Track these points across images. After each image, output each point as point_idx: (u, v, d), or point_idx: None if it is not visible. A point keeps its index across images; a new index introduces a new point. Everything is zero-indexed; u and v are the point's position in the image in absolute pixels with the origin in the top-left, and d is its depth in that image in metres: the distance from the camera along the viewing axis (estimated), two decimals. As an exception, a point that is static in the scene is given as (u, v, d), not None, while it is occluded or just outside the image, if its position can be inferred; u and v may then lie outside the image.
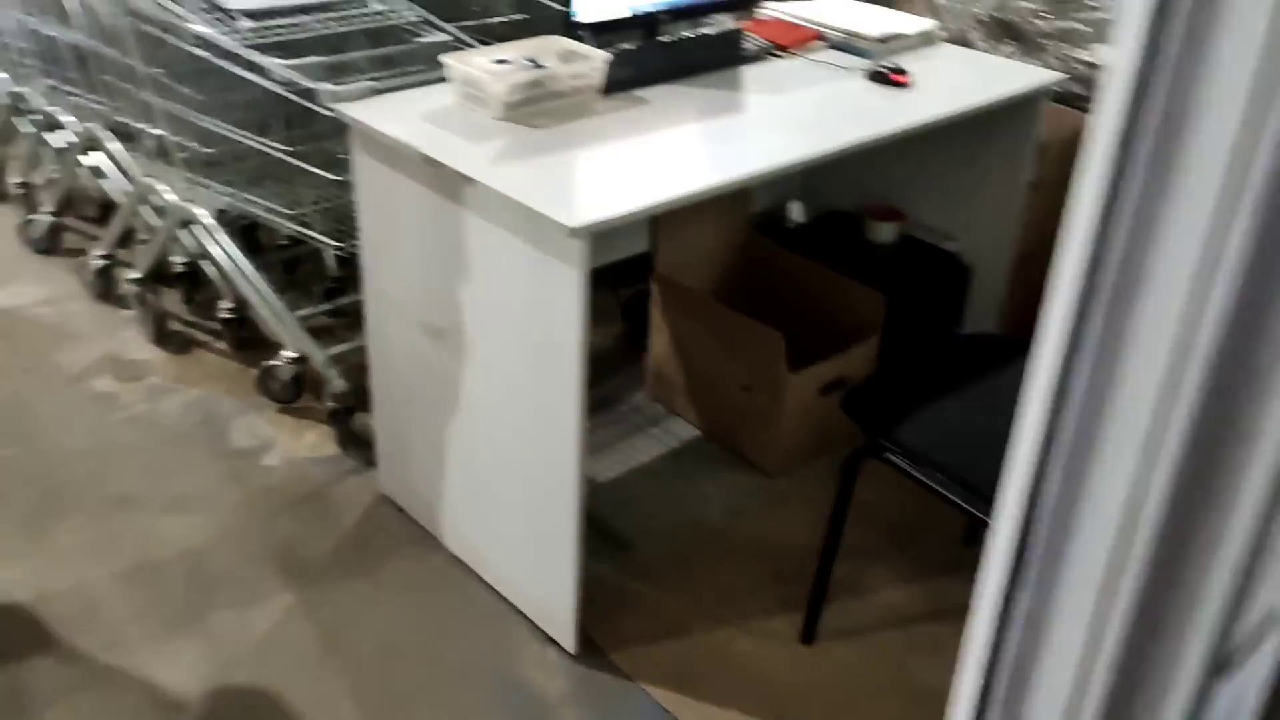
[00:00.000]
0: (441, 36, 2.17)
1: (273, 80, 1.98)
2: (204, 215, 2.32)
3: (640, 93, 1.94)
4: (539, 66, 1.83)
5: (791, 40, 2.21)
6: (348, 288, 2.77)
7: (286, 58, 2.11)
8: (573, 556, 1.70)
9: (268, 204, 2.18)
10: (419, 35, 2.22)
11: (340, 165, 2.24)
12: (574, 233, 1.43)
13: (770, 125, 1.82)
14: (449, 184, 1.63)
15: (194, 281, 2.77)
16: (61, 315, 2.74)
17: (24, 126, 3.09)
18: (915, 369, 1.73)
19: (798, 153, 1.70)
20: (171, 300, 2.76)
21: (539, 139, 1.71)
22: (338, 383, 2.22)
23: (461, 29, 2.52)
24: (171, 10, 2.08)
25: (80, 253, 2.98)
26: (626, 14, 2.04)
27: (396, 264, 1.84)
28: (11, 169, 3.20)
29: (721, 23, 2.30)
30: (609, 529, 2.10)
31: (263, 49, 2.03)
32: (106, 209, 3.00)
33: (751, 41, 2.18)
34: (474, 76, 1.76)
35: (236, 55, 2.02)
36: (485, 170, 1.57)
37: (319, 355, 2.24)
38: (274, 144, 2.10)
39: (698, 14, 2.16)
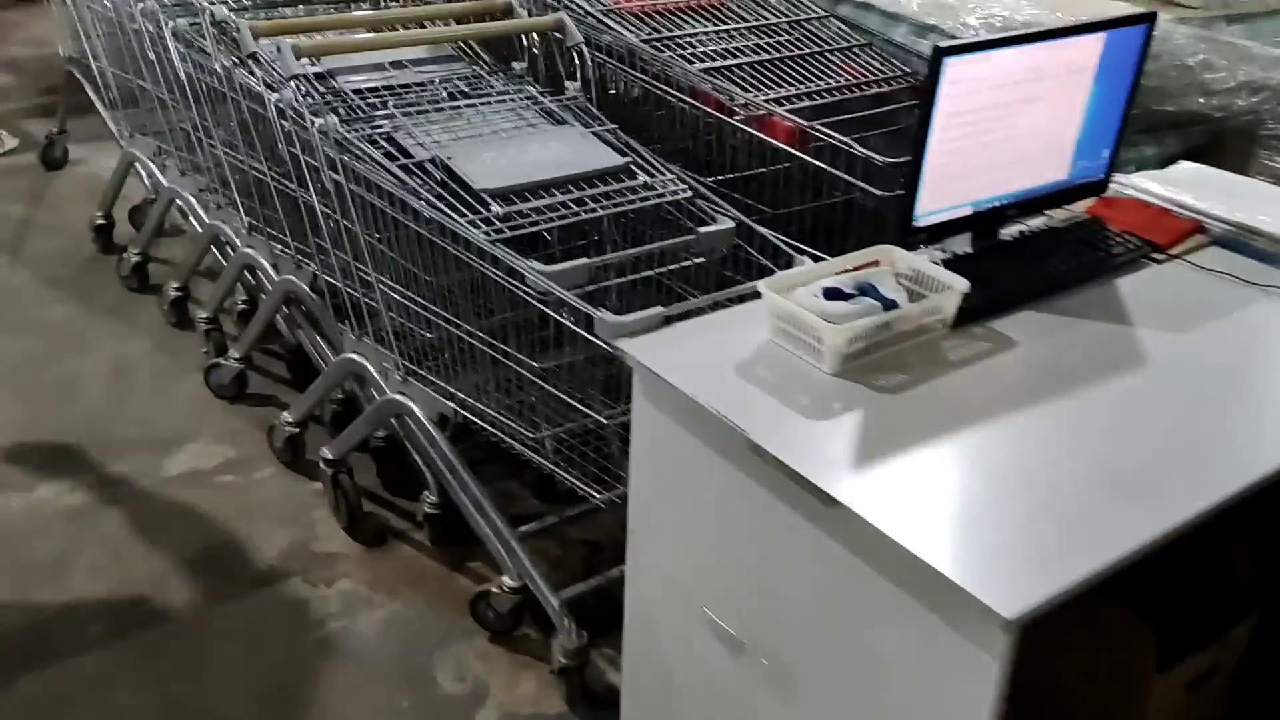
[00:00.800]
0: (724, 223, 1.76)
1: (527, 291, 1.60)
2: (419, 412, 1.97)
3: (997, 324, 1.49)
4: (879, 298, 1.41)
5: (1165, 235, 1.73)
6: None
7: (533, 248, 1.75)
8: None
9: (501, 417, 1.81)
10: (692, 212, 1.83)
11: (608, 362, 1.83)
12: (1007, 626, 0.98)
13: (1197, 392, 1.35)
14: (785, 482, 1.21)
15: (392, 456, 2.43)
16: (247, 486, 2.44)
17: (220, 261, 2.85)
18: None
19: (1260, 464, 1.22)
20: (365, 468, 2.44)
21: (896, 414, 1.28)
22: (572, 636, 1.82)
23: (720, 184, 2.13)
24: (421, 198, 1.74)
25: (269, 400, 2.70)
26: (968, 212, 1.60)
27: (682, 542, 1.43)
28: (200, 300, 2.96)
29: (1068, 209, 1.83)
30: None
31: (511, 243, 1.66)
32: (301, 358, 2.70)
33: (1116, 238, 1.71)
34: (803, 319, 1.35)
35: (482, 251, 1.66)
36: (847, 482, 1.15)
37: (551, 599, 1.84)
38: (521, 355, 1.72)
39: (1050, 205, 1.71)
